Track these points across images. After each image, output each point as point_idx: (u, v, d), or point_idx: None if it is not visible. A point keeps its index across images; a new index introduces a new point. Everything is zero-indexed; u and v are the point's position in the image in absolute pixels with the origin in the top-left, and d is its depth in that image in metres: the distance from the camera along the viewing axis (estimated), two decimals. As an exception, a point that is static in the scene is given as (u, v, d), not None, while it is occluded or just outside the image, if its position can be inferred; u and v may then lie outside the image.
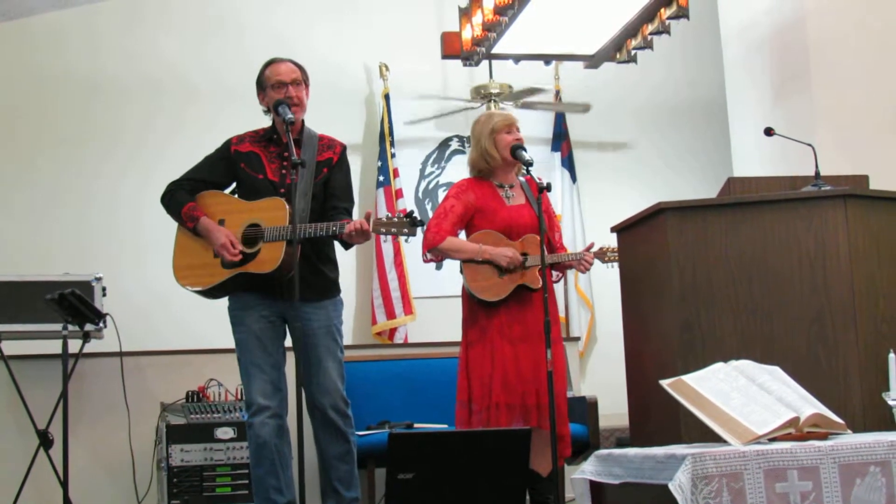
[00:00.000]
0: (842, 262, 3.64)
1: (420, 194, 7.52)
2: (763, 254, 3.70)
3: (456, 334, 4.63)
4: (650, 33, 5.71)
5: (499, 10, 5.54)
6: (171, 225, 4.22)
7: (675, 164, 7.79)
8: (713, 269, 3.73)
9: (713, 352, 3.58)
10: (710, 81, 7.55)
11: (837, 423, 3.03)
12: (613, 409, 5.42)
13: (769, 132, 4.29)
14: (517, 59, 6.23)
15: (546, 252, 4.17)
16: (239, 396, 4.97)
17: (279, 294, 4.06)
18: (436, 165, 7.57)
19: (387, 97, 7.28)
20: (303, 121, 4.19)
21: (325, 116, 4.96)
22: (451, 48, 6.32)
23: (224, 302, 4.20)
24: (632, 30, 5.76)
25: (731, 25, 6.22)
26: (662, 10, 5.51)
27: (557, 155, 7.65)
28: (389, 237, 6.82)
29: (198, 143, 4.55)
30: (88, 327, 4.83)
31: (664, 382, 3.14)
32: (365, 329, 7.15)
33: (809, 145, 4.11)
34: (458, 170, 7.20)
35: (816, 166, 3.99)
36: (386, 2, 7.45)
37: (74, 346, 4.87)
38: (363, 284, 7.20)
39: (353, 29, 7.37)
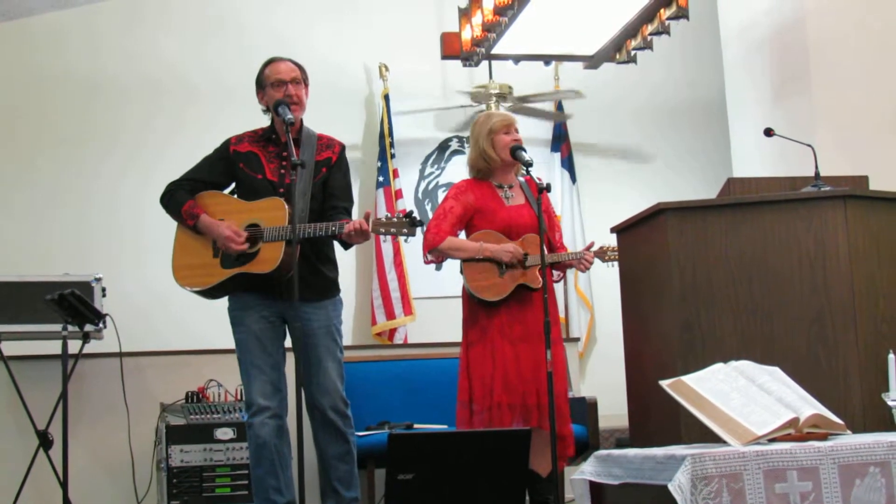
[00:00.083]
0: (842, 263, 3.65)
1: (420, 195, 7.52)
2: (763, 254, 3.71)
3: (456, 335, 4.63)
4: (650, 34, 5.71)
5: (498, 11, 5.54)
6: (171, 225, 4.22)
7: (674, 164, 7.80)
8: (713, 269, 3.73)
9: (713, 352, 3.58)
10: (709, 82, 7.55)
11: (837, 423, 3.03)
12: (613, 410, 5.42)
13: (769, 133, 4.29)
14: (517, 59, 6.24)
15: (546, 252, 4.17)
16: (238, 397, 4.97)
17: (279, 294, 4.06)
18: (435, 166, 7.57)
19: (386, 97, 7.28)
20: (301, 120, 4.19)
21: (324, 117, 4.96)
22: (451, 48, 6.33)
23: (223, 302, 4.20)
24: (631, 30, 5.76)
25: (730, 26, 6.22)
26: (662, 10, 5.51)
27: (557, 155, 7.65)
28: (389, 237, 6.82)
29: (198, 144, 4.54)
30: (88, 328, 4.83)
31: (664, 383, 3.14)
32: (365, 329, 7.15)
33: (809, 146, 4.11)
34: (457, 170, 7.20)
35: (816, 167, 3.99)
36: (386, 2, 7.45)
37: (74, 346, 4.87)
38: (363, 285, 7.20)
39: (353, 29, 7.37)
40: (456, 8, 6.15)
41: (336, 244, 4.21)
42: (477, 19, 5.79)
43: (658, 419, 3.83)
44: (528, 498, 4.24)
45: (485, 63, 6.73)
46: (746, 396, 3.00)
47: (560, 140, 7.68)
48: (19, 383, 4.92)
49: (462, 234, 4.46)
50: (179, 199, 4.16)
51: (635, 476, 2.93)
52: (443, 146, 7.58)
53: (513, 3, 5.44)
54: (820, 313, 3.64)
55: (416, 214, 4.03)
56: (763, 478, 2.70)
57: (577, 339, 6.99)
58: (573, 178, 7.64)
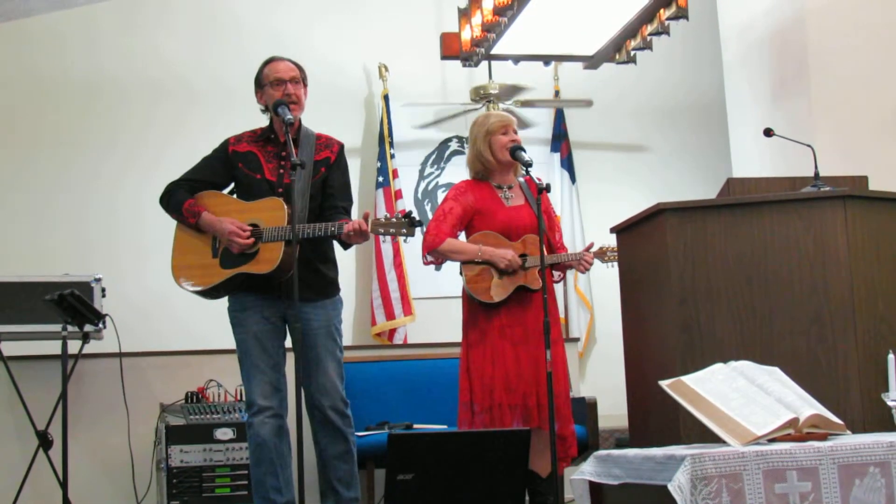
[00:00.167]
0: (841, 263, 3.65)
1: (419, 195, 7.52)
2: (762, 255, 3.71)
3: (455, 335, 4.63)
4: (649, 34, 5.71)
5: (498, 11, 5.54)
6: (171, 225, 4.22)
7: (674, 164, 7.80)
8: (713, 269, 3.73)
9: (712, 352, 3.58)
10: (709, 82, 7.56)
11: (837, 423, 3.03)
12: (613, 410, 5.43)
13: (768, 133, 4.29)
14: (516, 59, 6.23)
15: (546, 252, 4.17)
16: (238, 397, 4.97)
17: (279, 294, 4.06)
18: (435, 166, 7.57)
19: (386, 98, 7.28)
20: (300, 120, 4.19)
21: (324, 117, 4.96)
22: (451, 49, 6.32)
23: (223, 303, 4.20)
24: (631, 30, 5.76)
25: (730, 26, 6.23)
26: (662, 10, 5.51)
27: (557, 156, 7.65)
28: (389, 238, 6.82)
29: (197, 144, 4.55)
30: (88, 328, 4.83)
31: (663, 383, 3.14)
32: (364, 330, 7.15)
33: (809, 146, 4.11)
34: (457, 171, 7.20)
35: (816, 167, 3.99)
36: (385, 2, 7.45)
37: (74, 346, 4.87)
38: (363, 285, 7.20)
39: (353, 30, 7.37)
40: (455, 8, 6.14)
41: (336, 244, 4.21)
42: (476, 19, 5.78)
43: (658, 419, 3.83)
44: (527, 498, 4.24)
45: (484, 63, 6.73)
46: (746, 397, 3.00)
47: (560, 140, 7.68)
48: (19, 383, 4.93)
49: (462, 235, 4.46)
50: (180, 197, 4.16)
51: (635, 476, 2.93)
52: (442, 146, 7.58)
53: (512, 4, 5.44)
54: (819, 313, 3.64)
55: (415, 215, 4.03)
56: (763, 478, 2.70)
57: (577, 340, 7.00)
58: (573, 179, 7.64)
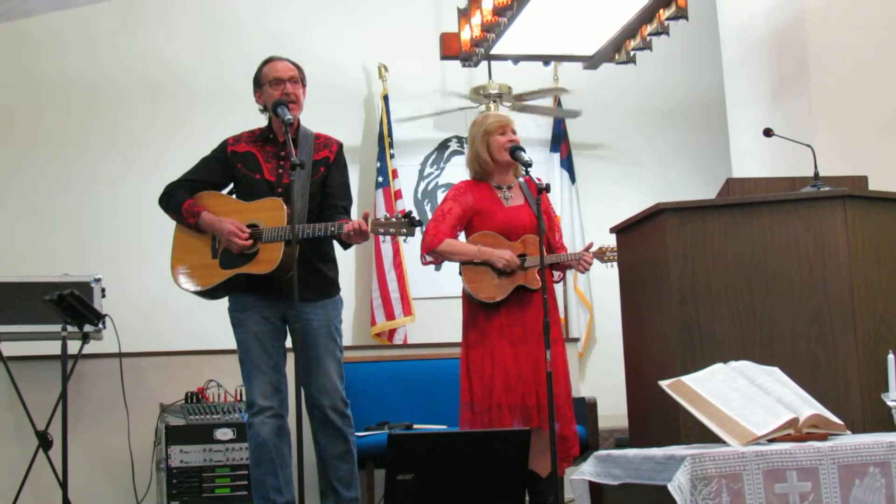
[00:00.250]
0: (841, 263, 3.64)
1: (419, 195, 7.52)
2: (762, 255, 3.71)
3: (455, 335, 4.63)
4: (649, 34, 5.71)
5: (497, 11, 5.54)
6: (170, 225, 4.22)
7: (674, 164, 7.80)
8: (712, 270, 3.73)
9: (712, 352, 3.58)
10: (709, 82, 7.56)
11: (836, 423, 3.03)
12: (613, 410, 5.43)
13: (768, 133, 4.29)
14: (516, 59, 6.24)
15: (546, 253, 4.17)
16: (238, 397, 4.97)
17: (279, 294, 4.06)
18: (435, 166, 7.57)
19: (386, 98, 7.29)
20: (298, 119, 4.19)
21: (323, 117, 4.96)
22: (450, 49, 6.33)
23: (223, 303, 4.20)
24: (631, 31, 5.76)
25: (729, 26, 6.22)
26: (661, 10, 5.51)
27: (556, 156, 7.65)
28: (389, 238, 6.83)
29: (197, 144, 4.55)
30: (87, 328, 4.83)
31: (663, 383, 3.14)
32: (364, 330, 7.15)
33: (808, 146, 4.11)
34: (457, 171, 7.20)
35: (815, 167, 3.99)
36: (385, 3, 7.45)
37: (74, 347, 4.87)
38: (362, 285, 7.20)
39: (353, 30, 7.37)
40: (455, 8, 6.15)
41: (336, 243, 4.21)
42: (476, 20, 5.79)
43: (657, 419, 3.83)
44: (527, 498, 4.24)
45: (484, 63, 6.73)
46: (746, 397, 3.00)
47: (559, 140, 7.68)
48: (19, 384, 4.92)
49: (462, 236, 4.47)
50: (179, 198, 4.16)
51: (635, 476, 2.93)
52: (442, 147, 7.58)
53: (512, 4, 5.44)
54: (819, 313, 3.64)
55: (415, 214, 4.03)
56: (762, 478, 2.70)
57: (577, 340, 6.99)
58: (572, 179, 7.65)
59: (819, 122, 5.38)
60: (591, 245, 4.51)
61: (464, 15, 6.02)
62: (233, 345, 4.16)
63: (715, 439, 2.95)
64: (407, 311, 7.04)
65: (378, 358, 5.66)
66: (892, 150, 5.31)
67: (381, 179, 7.20)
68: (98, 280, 5.08)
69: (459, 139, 7.53)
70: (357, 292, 7.18)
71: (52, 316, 4.77)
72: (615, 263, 4.35)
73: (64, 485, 4.66)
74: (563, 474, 4.42)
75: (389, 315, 7.02)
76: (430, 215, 6.98)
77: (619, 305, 4.25)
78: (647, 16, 5.60)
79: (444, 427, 4.86)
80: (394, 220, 4.01)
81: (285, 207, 4.00)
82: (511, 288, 4.32)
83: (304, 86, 4.22)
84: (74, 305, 4.68)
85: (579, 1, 5.56)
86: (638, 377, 4.10)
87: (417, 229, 4.05)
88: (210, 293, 4.15)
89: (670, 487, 2.66)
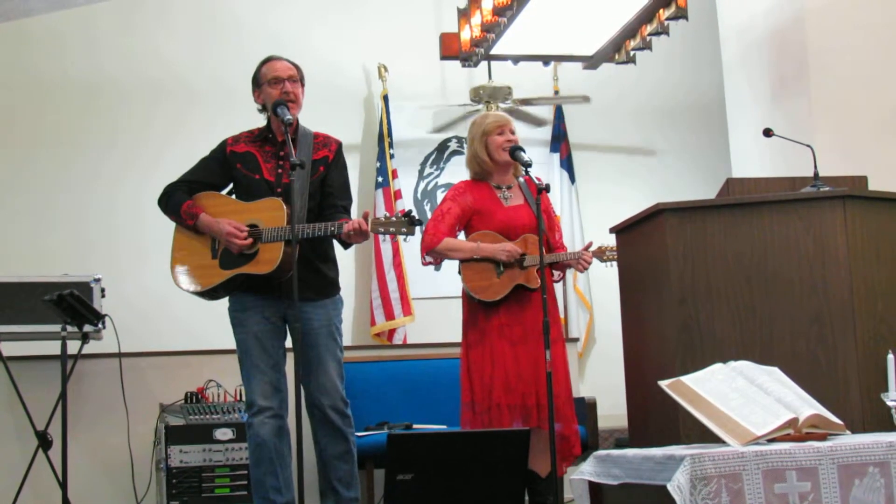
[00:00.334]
0: (841, 263, 3.65)
1: (419, 195, 7.51)
2: (762, 255, 3.71)
3: (455, 335, 4.63)
4: (649, 34, 5.71)
5: (497, 11, 5.54)
6: (170, 226, 4.22)
7: (673, 164, 7.80)
8: (712, 270, 3.73)
9: (712, 352, 3.59)
10: (708, 82, 7.56)
11: (836, 423, 3.03)
12: (612, 410, 5.43)
13: (768, 133, 4.29)
14: (516, 59, 6.23)
15: (545, 252, 4.17)
16: (238, 397, 4.97)
17: (279, 294, 4.06)
18: (434, 166, 7.57)
19: (385, 98, 7.28)
20: (297, 119, 4.19)
21: (323, 117, 4.96)
22: (450, 49, 6.32)
23: (223, 303, 4.20)
24: (630, 30, 5.76)
25: (729, 26, 6.22)
26: (661, 10, 5.51)
27: (556, 156, 7.65)
28: (388, 238, 6.83)
29: (197, 144, 4.55)
30: (87, 328, 4.83)
31: (663, 383, 3.14)
32: (364, 330, 7.14)
33: (808, 146, 4.11)
34: (456, 171, 7.19)
35: (815, 167, 4.00)
36: (384, 3, 7.44)
37: (73, 347, 4.87)
38: (362, 285, 7.20)
39: (352, 30, 7.37)
40: (455, 8, 6.14)
41: (336, 243, 4.21)
42: (476, 20, 5.78)
43: (657, 419, 3.83)
44: (527, 498, 4.24)
45: (484, 63, 6.73)
46: (745, 397, 3.00)
47: (559, 140, 7.68)
48: (18, 384, 4.92)
49: (461, 236, 4.47)
50: (178, 199, 4.16)
51: (635, 476, 2.93)
52: (442, 147, 7.57)
53: (512, 4, 5.44)
54: (819, 313, 3.64)
55: (415, 214, 4.03)
56: (762, 478, 2.70)
57: (577, 340, 6.99)
58: (572, 179, 7.64)
59: (819, 122, 5.38)
60: (590, 244, 4.51)
61: (464, 15, 6.02)
62: (232, 345, 4.16)
63: (714, 439, 2.95)
64: (407, 311, 7.04)
65: (378, 358, 5.66)
66: (892, 150, 5.31)
67: (380, 179, 7.19)
68: (98, 280, 5.08)
69: (459, 139, 7.52)
70: (357, 292, 7.17)
71: (52, 316, 4.77)
72: (615, 263, 4.36)
73: (64, 485, 4.66)
74: (564, 474, 4.42)
75: (389, 315, 7.02)
76: (429, 215, 6.97)
77: (619, 305, 4.25)
78: (646, 16, 5.60)
79: (444, 427, 4.86)
80: (394, 219, 4.01)
81: (285, 207, 4.00)
82: (510, 287, 4.32)
83: (302, 85, 4.22)
84: (74, 305, 4.68)
85: (579, 1, 5.56)
86: (638, 377, 4.10)
87: (417, 228, 4.05)
88: (210, 293, 4.15)
89: (670, 487, 2.66)
